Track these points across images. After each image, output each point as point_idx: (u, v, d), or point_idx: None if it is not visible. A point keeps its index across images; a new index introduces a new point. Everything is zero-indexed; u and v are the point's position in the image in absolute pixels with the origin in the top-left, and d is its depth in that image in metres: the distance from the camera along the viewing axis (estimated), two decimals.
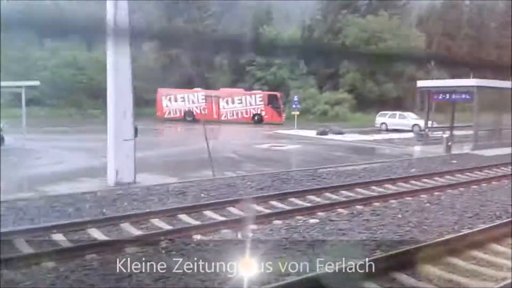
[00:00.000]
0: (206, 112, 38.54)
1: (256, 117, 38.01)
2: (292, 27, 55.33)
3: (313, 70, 50.40)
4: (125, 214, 7.79)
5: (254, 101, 39.03)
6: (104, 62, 11.33)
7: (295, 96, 32.39)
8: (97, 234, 6.86)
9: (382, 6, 50.53)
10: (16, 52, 40.89)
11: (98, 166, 12.92)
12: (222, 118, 38.70)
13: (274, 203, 9.03)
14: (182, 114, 40.23)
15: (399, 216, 7.99)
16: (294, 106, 31.50)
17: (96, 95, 38.17)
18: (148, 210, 8.07)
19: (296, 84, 45.98)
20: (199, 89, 41.48)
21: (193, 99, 40.72)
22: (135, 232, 7.04)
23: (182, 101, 40.42)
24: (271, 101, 38.49)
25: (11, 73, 38.97)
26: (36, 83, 22.59)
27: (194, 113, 39.62)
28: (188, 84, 47.11)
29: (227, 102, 39.42)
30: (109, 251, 6.02)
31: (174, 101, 40.80)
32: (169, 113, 40.54)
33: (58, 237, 6.56)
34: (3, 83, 26.42)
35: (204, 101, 39.85)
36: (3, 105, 32.76)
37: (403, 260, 5.62)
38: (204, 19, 50.54)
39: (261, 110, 38.07)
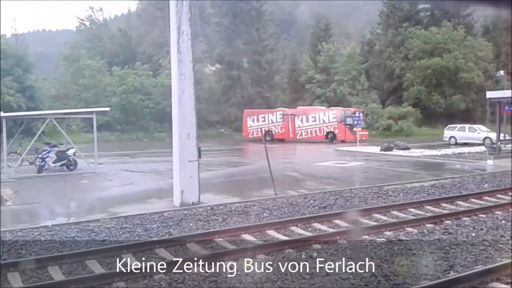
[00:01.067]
0: (283, 131, 38.30)
1: (329, 135, 36.56)
2: (351, 42, 54.86)
3: (375, 84, 49.53)
4: (191, 234, 7.94)
5: (328, 118, 37.41)
6: (169, 86, 11.76)
7: (357, 112, 31.71)
8: (164, 253, 7.02)
9: (446, 17, 48.99)
10: (86, 80, 43.55)
11: (164, 187, 13.34)
12: (298, 137, 37.79)
13: (338, 222, 8.85)
14: (263, 134, 39.18)
15: (473, 234, 7.54)
16: (356, 122, 30.83)
17: (162, 118, 39.74)
18: (212, 230, 8.17)
19: (357, 100, 45.29)
20: (281, 108, 41.06)
21: (272, 118, 39.98)
22: (201, 251, 7.13)
23: (263, 121, 39.93)
24: (344, 117, 36.52)
25: (83, 100, 41.56)
26: (106, 109, 23.86)
27: (273, 132, 39.05)
28: (248, 103, 47.85)
29: (301, 121, 38.23)
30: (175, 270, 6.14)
31: (256, 121, 40.49)
32: (252, 133, 40.19)
33: (128, 257, 6.78)
34: (75, 110, 28.19)
35: (281, 120, 39.06)
36: (76, 131, 34.92)
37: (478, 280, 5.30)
38: (263, 39, 51.26)
39: (334, 128, 36.44)
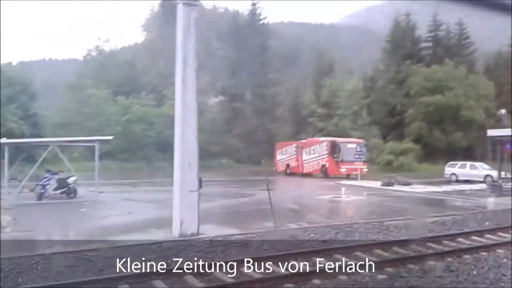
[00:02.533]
0: (296, 164, 36.65)
1: (323, 169, 34.24)
2: (354, 78, 55.59)
3: (376, 119, 49.86)
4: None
5: (321, 150, 34.94)
6: (172, 116, 11.87)
7: (358, 146, 31.74)
8: (161, 286, 6.92)
9: (447, 55, 49.79)
10: (91, 109, 43.93)
11: (164, 216, 13.23)
12: (304, 170, 35.77)
13: (338, 256, 8.74)
14: (285, 167, 38.07)
15: (475, 272, 7.44)
16: (356, 156, 30.78)
17: (164, 148, 39.80)
18: (211, 262, 8.07)
19: (358, 134, 45.46)
20: (308, 140, 38.65)
21: (290, 151, 38.29)
22: (198, 284, 7.04)
23: (285, 154, 38.54)
24: (333, 149, 33.68)
25: (86, 128, 41.79)
26: (109, 138, 23.99)
27: (290, 165, 37.71)
28: (250, 135, 48.09)
29: (307, 153, 36.25)
30: None
31: (282, 154, 39.15)
32: (279, 167, 38.94)
33: None
34: (78, 138, 28.32)
35: (295, 153, 37.32)
36: (78, 159, 34.97)
37: None
38: (267, 73, 51.99)
39: (326, 161, 34.08)
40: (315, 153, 35.14)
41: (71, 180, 18.66)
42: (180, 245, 9.40)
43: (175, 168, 11.25)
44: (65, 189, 18.33)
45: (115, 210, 15.75)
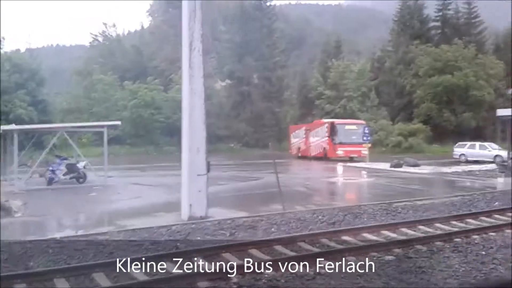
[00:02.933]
0: (305, 148, 35.87)
1: (324, 151, 33.45)
2: (361, 59, 55.12)
3: (385, 101, 49.53)
4: (198, 248, 7.92)
5: (322, 132, 34.19)
6: (180, 101, 11.88)
7: (366, 128, 31.45)
8: (171, 267, 7.00)
9: (456, 35, 49.09)
10: (98, 95, 44.09)
11: (173, 200, 13.35)
12: (311, 153, 34.97)
13: (346, 238, 8.78)
14: (297, 150, 37.05)
15: (483, 253, 7.44)
16: (364, 138, 30.48)
17: (171, 132, 40.02)
18: (219, 245, 8.14)
19: (366, 116, 45.23)
20: (324, 120, 36.82)
21: (300, 134, 37.25)
22: (207, 266, 7.11)
23: (296, 136, 37.82)
24: (331, 131, 32.77)
25: (94, 114, 42.03)
26: (117, 123, 24.09)
27: (300, 148, 36.86)
28: (258, 119, 48.03)
29: (312, 136, 35.48)
30: (182, 285, 6.14)
31: (294, 137, 38.34)
32: (293, 150, 38.02)
33: (135, 270, 6.78)
34: (86, 124, 28.49)
35: (304, 136, 36.39)
36: (87, 144, 35.23)
37: None
38: (274, 56, 51.67)
39: (326, 143, 33.28)
40: (318, 135, 34.56)
41: (80, 165, 18.82)
42: (189, 228, 9.49)
43: (183, 152, 11.29)
44: (74, 174, 18.50)
45: (124, 195, 15.89)
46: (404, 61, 49.67)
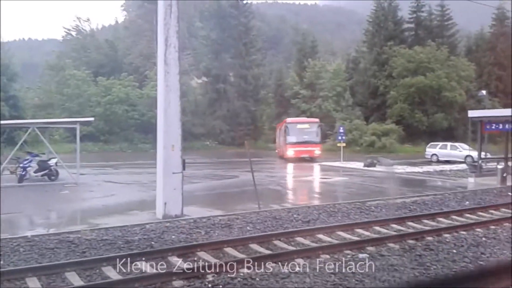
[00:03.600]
0: (279, 147, 34.43)
1: (281, 152, 32.76)
2: (337, 59, 55.69)
3: (359, 101, 50.14)
4: (173, 247, 7.86)
5: (281, 131, 33.21)
6: (155, 98, 11.75)
7: (341, 128, 31.68)
8: (145, 267, 6.93)
9: (429, 37, 50.03)
10: (71, 90, 43.22)
11: (147, 199, 13.23)
12: (279, 153, 33.87)
13: (321, 236, 8.86)
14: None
15: (454, 251, 7.61)
16: (339, 137, 30.72)
17: (146, 130, 39.56)
18: (194, 243, 8.10)
19: (341, 116, 45.76)
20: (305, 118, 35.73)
21: (277, 133, 35.57)
22: (182, 265, 7.06)
23: (279, 135, 35.34)
24: (285, 131, 31.29)
25: (66, 110, 41.20)
26: (90, 119, 23.68)
27: (277, 148, 35.27)
28: (234, 117, 47.96)
29: (278, 135, 35.09)
30: (157, 284, 6.08)
31: (277, 136, 36.56)
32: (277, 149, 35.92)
33: (108, 269, 6.68)
34: (59, 120, 27.91)
35: (280, 134, 34.30)
36: (59, 141, 34.51)
37: None
38: (250, 54, 51.66)
39: (283, 143, 32.24)
40: (280, 135, 33.83)
41: (52, 162, 18.41)
42: (164, 226, 9.41)
43: (158, 150, 11.18)
44: (46, 171, 18.10)
45: (97, 193, 15.64)
46: (378, 62, 50.35)
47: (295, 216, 10.55)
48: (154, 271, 6.68)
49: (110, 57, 55.82)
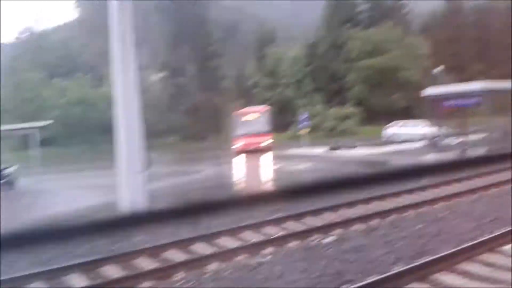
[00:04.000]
0: None
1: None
2: (296, 45, 55.79)
3: (319, 86, 50.57)
4: (138, 248, 7.74)
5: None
6: (113, 96, 11.47)
7: (304, 114, 31.74)
8: (112, 271, 6.80)
9: (385, 17, 50.78)
10: (26, 94, 41.72)
11: (111, 201, 12.95)
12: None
13: (290, 223, 8.93)
14: None
15: (417, 227, 7.82)
16: (303, 124, 30.74)
17: (107, 130, 38.52)
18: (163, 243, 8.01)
19: (303, 102, 46.07)
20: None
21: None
22: (151, 266, 6.98)
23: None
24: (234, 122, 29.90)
25: (22, 114, 39.71)
26: (47, 122, 22.92)
27: None
28: (197, 111, 47.49)
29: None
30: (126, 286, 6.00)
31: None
32: None
33: (72, 277, 6.52)
34: (13, 126, 26.89)
35: None
36: (14, 148, 33.30)
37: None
38: (209, 45, 51.19)
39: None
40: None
41: (8, 171, 17.77)
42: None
43: (119, 150, 10.95)
44: (3, 180, 17.45)
45: (58, 198, 15.19)
46: (336, 45, 50.78)
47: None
48: (123, 273, 6.57)
49: (65, 57, 54.04)
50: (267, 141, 28.39)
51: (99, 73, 47.17)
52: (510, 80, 20.19)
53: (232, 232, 8.29)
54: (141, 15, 51.49)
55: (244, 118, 28.95)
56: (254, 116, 29.27)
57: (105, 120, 40.11)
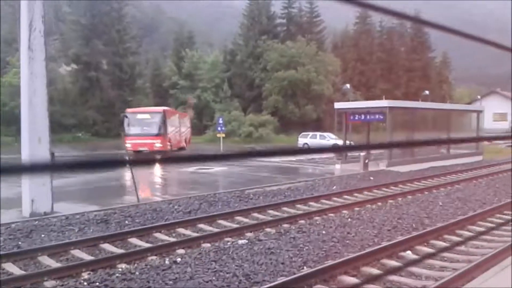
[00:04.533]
0: None
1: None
2: (214, 51, 56.05)
3: (237, 93, 51.20)
4: (42, 246, 7.33)
5: None
6: (18, 86, 10.77)
7: (220, 118, 31.92)
8: (13, 268, 6.38)
9: (300, 32, 52.74)
10: None
11: (12, 196, 12.08)
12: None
13: (202, 226, 8.96)
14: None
15: (324, 232, 8.23)
16: (219, 128, 30.99)
17: (9, 121, 35.79)
18: (67, 241, 7.65)
19: (220, 107, 46.39)
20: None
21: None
22: (54, 264, 6.64)
23: None
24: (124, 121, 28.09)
25: None
26: None
27: None
28: (109, 107, 45.69)
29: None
30: (27, 285, 5.66)
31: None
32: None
33: None
34: None
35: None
36: None
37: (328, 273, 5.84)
38: (125, 41, 49.56)
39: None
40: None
41: None
42: (32, 225, 8.71)
43: (22, 143, 10.30)
44: None
45: None
46: (254, 55, 51.83)
47: (176, 207, 10.49)
48: (23, 272, 6.19)
49: None
50: (159, 143, 27.21)
51: (3, 61, 43.72)
52: (411, 100, 22.04)
53: None
54: (54, 4, 48.74)
55: (139, 117, 27.72)
56: (145, 116, 28.00)
57: (8, 111, 37.54)
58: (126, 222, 9.16)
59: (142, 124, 27.43)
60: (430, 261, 6.65)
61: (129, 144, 25.98)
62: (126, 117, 27.80)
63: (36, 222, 8.98)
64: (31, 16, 10.09)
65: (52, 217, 9.44)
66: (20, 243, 7.57)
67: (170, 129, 29.45)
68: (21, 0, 10.26)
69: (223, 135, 31.23)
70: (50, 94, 10.67)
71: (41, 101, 10.19)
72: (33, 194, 9.91)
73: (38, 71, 10.13)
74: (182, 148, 32.43)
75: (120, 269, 6.29)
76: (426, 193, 12.81)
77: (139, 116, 27.96)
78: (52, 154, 10.45)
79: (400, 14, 1.07)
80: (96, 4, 47.39)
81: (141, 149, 26.79)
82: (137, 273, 6.05)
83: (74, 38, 48.51)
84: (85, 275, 6.09)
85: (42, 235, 8.09)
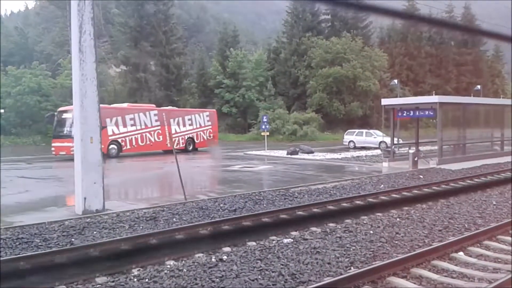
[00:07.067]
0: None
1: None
2: (258, 49, 56.18)
3: (281, 91, 51.15)
4: (95, 243, 7.58)
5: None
6: (70, 88, 11.18)
7: (264, 117, 31.98)
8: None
9: (345, 28, 51.99)
10: None
11: (65, 194, 12.61)
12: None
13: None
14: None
15: (371, 232, 8.06)
16: (263, 127, 31.07)
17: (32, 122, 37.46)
18: (117, 238, 7.88)
19: (264, 105, 46.51)
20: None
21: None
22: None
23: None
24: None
25: None
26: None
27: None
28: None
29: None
30: (80, 282, 5.87)
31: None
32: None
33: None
34: None
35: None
36: None
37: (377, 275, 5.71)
38: (171, 42, 50.60)
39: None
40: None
41: None
42: (85, 222, 9.04)
43: (75, 142, 10.68)
44: None
45: (10, 189, 14.60)
46: (298, 52, 51.58)
47: (221, 205, 10.60)
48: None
49: (20, 45, 52.12)
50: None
51: (55, 63, 45.73)
52: (462, 96, 21.22)
53: None
54: (103, 7, 50.37)
55: (64, 116, 24.60)
56: (69, 115, 22.83)
57: (35, 112, 38.81)
58: (174, 219, 9.34)
59: (67, 124, 23.91)
60: (483, 263, 6.39)
61: (53, 147, 24.65)
62: (56, 116, 25.46)
63: (89, 219, 9.31)
64: (81, 18, 10.44)
65: (104, 215, 9.77)
66: (73, 239, 7.86)
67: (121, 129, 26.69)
68: (72, 0, 10.60)
69: (267, 133, 31.28)
70: (100, 95, 11.01)
71: (91, 101, 10.52)
72: (85, 193, 10.27)
73: (88, 73, 10.46)
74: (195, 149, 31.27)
75: (168, 266, 6.42)
76: (479, 192, 12.29)
77: (65, 115, 24.46)
78: (103, 153, 10.75)
79: (400, 14, 1.02)
80: (143, 6, 48.62)
81: (61, 152, 23.98)
82: (184, 270, 6.14)
83: (122, 40, 50.03)
84: (135, 271, 6.25)
85: (94, 232, 8.37)
